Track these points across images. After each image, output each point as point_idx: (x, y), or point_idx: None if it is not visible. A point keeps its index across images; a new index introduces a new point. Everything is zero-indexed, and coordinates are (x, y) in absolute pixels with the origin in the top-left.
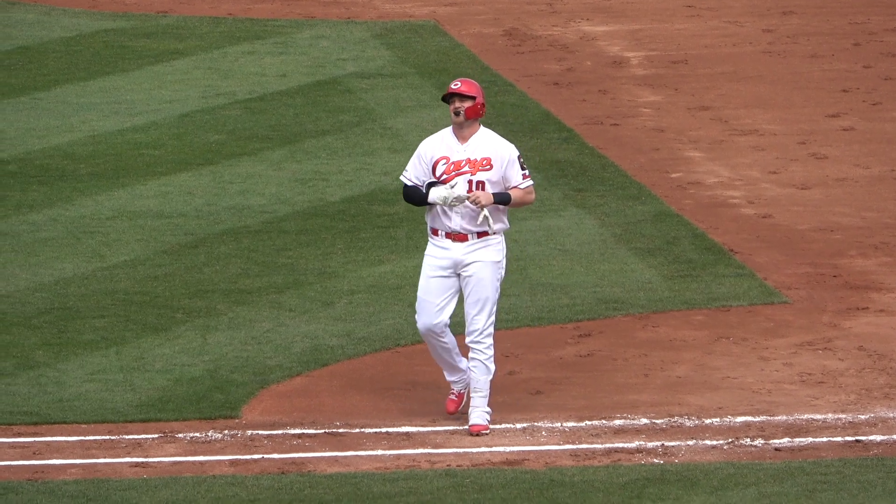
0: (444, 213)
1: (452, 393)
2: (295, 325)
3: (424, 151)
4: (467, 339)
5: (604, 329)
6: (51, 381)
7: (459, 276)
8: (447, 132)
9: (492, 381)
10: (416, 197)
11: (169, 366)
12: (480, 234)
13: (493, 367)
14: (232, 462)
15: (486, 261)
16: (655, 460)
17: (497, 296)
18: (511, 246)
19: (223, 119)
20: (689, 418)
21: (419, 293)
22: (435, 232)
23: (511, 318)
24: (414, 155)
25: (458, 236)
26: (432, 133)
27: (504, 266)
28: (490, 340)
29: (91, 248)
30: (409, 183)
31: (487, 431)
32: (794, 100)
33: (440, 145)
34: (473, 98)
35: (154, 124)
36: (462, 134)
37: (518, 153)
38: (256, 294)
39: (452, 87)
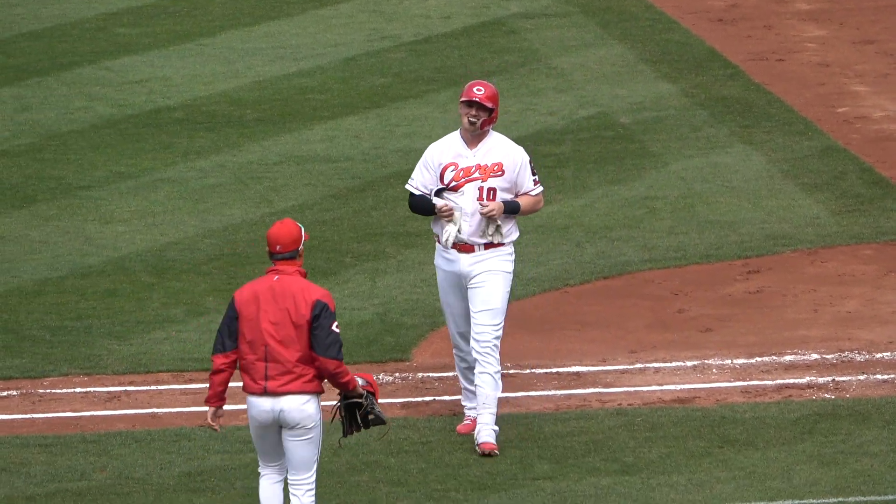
0: (452, 222)
1: (468, 418)
2: None
3: (431, 158)
4: (474, 352)
5: (772, 265)
6: None
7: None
8: (454, 137)
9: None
10: (422, 206)
11: (339, 309)
12: (487, 245)
13: (500, 382)
14: (403, 405)
15: (495, 269)
16: (826, 395)
17: (506, 306)
18: (678, 184)
19: (388, 62)
20: (859, 353)
21: (441, 304)
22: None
23: (679, 256)
24: (419, 161)
25: (463, 247)
26: (597, 71)
27: (512, 276)
28: (497, 353)
29: (259, 193)
30: (415, 192)
31: (497, 452)
32: None
33: (447, 151)
34: (492, 111)
35: (319, 68)
36: (472, 139)
37: (529, 158)
38: (425, 237)
39: (476, 92)
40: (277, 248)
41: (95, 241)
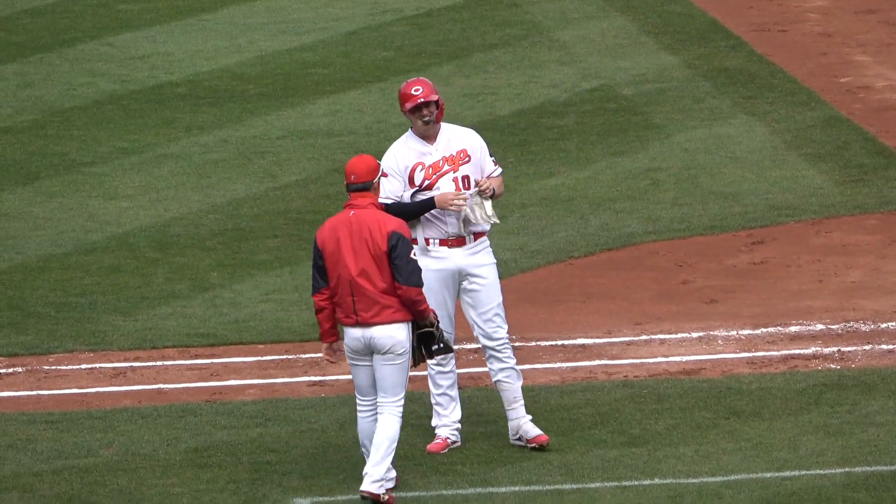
0: (438, 217)
1: (439, 437)
2: None
3: (394, 164)
4: (491, 349)
5: (777, 236)
6: (226, 303)
7: (460, 285)
8: (409, 137)
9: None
10: (407, 211)
11: None
12: (477, 235)
13: (521, 373)
14: (408, 378)
15: (489, 264)
16: (832, 366)
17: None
18: (682, 155)
19: (390, 36)
20: (864, 323)
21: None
22: (427, 241)
23: (683, 228)
24: (379, 174)
25: (454, 241)
26: (600, 43)
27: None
28: (511, 346)
29: (262, 168)
30: (388, 202)
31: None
32: None
33: (409, 153)
34: (437, 101)
35: (322, 43)
36: (428, 134)
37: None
38: None
39: (413, 93)
40: (352, 177)
41: (99, 217)
